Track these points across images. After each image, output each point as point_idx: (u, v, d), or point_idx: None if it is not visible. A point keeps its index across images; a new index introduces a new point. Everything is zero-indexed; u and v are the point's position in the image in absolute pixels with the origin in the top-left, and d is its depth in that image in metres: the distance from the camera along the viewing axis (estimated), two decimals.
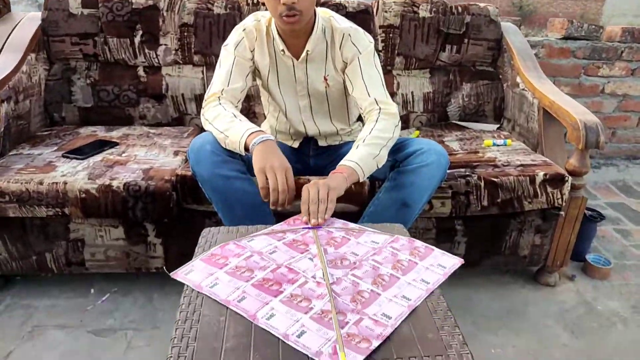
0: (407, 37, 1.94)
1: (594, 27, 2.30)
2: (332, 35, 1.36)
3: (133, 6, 1.86)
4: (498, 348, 1.43)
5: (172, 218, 1.45)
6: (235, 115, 1.27)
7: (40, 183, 1.38)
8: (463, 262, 0.95)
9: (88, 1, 1.85)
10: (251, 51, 1.38)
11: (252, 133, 1.20)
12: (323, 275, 0.90)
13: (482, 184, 1.47)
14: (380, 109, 1.32)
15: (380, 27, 1.94)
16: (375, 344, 0.73)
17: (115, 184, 1.40)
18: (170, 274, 0.91)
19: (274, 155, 1.15)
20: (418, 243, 1.01)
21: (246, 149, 1.20)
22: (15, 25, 1.81)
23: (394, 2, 1.94)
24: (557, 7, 23.29)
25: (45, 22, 1.83)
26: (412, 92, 1.99)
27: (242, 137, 1.20)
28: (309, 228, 1.07)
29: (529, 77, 1.81)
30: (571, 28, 2.32)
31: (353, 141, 1.59)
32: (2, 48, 1.72)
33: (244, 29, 1.37)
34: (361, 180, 1.23)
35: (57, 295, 1.60)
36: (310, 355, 0.71)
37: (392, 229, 1.11)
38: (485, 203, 1.49)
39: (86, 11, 1.85)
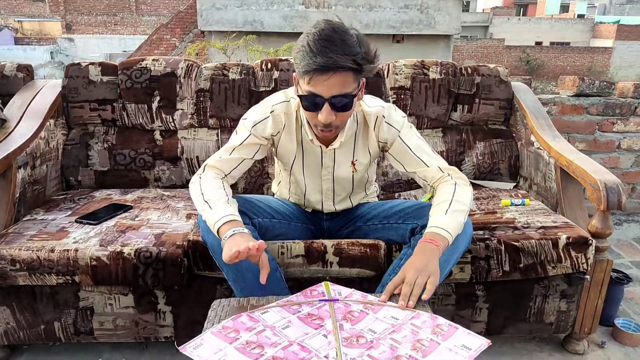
0: (418, 98, 1.96)
1: (605, 83, 2.30)
2: (363, 119, 1.34)
3: (152, 73, 1.91)
4: None
5: (183, 285, 1.42)
6: (205, 201, 1.22)
7: (52, 250, 1.37)
8: (490, 344, 0.89)
9: (108, 69, 1.92)
10: (273, 135, 1.34)
11: (223, 225, 1.15)
12: (336, 355, 0.85)
13: (503, 248, 1.42)
14: (450, 174, 1.30)
15: (392, 88, 1.96)
16: None
17: (126, 250, 1.38)
18: (179, 348, 0.87)
19: (242, 243, 1.09)
20: (441, 320, 0.96)
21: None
22: (37, 92, 1.87)
23: (404, 65, 1.97)
24: (564, 60, 23.76)
25: (65, 89, 1.89)
26: None
27: (214, 226, 1.17)
28: (326, 300, 1.03)
29: (543, 136, 1.79)
30: (582, 85, 2.33)
31: (367, 202, 1.57)
32: (23, 115, 1.77)
33: (272, 111, 1.32)
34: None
35: None
36: None
37: None
38: (506, 268, 1.43)
39: (105, 78, 1.91)
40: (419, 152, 1.33)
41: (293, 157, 1.39)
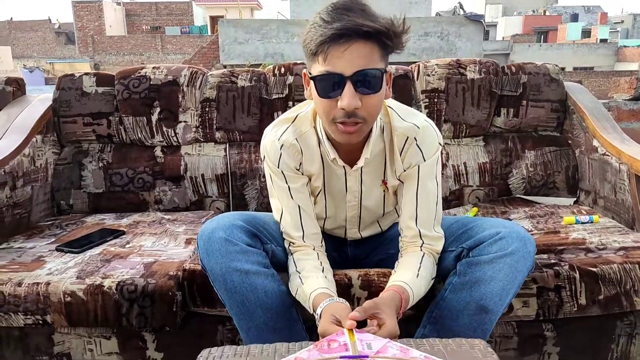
0: (454, 102, 1.69)
1: None
2: (391, 136, 1.06)
3: (151, 82, 1.71)
4: None
5: (177, 326, 1.15)
6: (323, 269, 1.06)
7: (19, 284, 1.13)
8: None
9: (103, 79, 1.72)
10: (297, 169, 1.09)
11: (322, 293, 0.97)
12: None
13: (577, 275, 1.12)
14: (423, 243, 1.07)
15: (423, 92, 1.71)
16: None
17: (107, 283, 1.13)
18: None
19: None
20: None
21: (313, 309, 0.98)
22: (25, 107, 1.68)
23: (437, 64, 1.72)
24: (589, 85, 23.11)
25: (56, 102, 1.70)
26: (464, 163, 1.70)
27: (314, 291, 0.98)
28: (349, 357, 0.74)
29: (610, 139, 1.50)
30: None
31: (394, 224, 1.29)
32: (7, 131, 1.57)
33: (282, 145, 1.06)
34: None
35: None
36: None
37: (472, 348, 0.77)
38: (582, 301, 1.13)
39: (100, 89, 1.71)
40: (421, 199, 1.06)
41: (314, 178, 1.12)
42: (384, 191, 1.14)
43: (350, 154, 1.06)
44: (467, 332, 0.95)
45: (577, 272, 1.12)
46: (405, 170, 1.08)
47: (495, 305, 0.96)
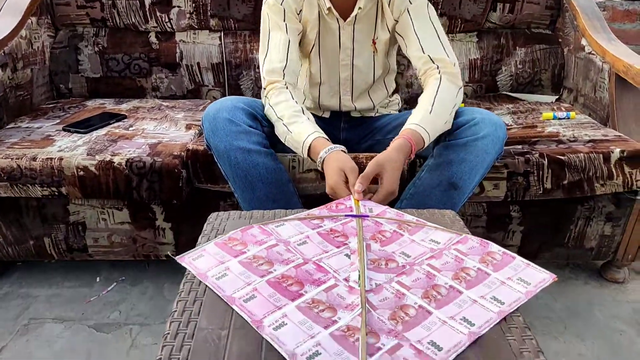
0: None
1: None
2: None
3: None
4: (562, 357, 1.21)
5: (183, 199, 1.27)
6: (303, 111, 1.13)
7: (34, 159, 1.22)
8: (556, 279, 0.72)
9: None
10: (298, 13, 1.20)
11: (318, 138, 1.05)
12: (359, 277, 0.70)
13: (546, 162, 1.23)
14: (438, 67, 1.14)
15: None
16: None
17: (117, 160, 1.22)
18: (177, 257, 0.74)
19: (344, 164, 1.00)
20: (493, 247, 0.79)
21: (309, 154, 1.07)
22: None
23: None
24: None
25: None
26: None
27: (307, 138, 1.06)
28: (353, 216, 0.87)
29: (598, 38, 1.54)
30: None
31: (389, 114, 1.40)
32: (0, 11, 1.56)
33: None
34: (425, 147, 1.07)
35: (59, 283, 1.46)
36: None
37: (442, 217, 0.90)
38: (548, 185, 1.25)
39: None
40: (421, 34, 1.16)
41: (309, 32, 1.22)
42: (373, 52, 1.25)
43: (344, 8, 1.18)
44: (438, 206, 1.07)
45: (546, 159, 1.23)
46: (397, 21, 1.20)
47: (465, 183, 1.07)
